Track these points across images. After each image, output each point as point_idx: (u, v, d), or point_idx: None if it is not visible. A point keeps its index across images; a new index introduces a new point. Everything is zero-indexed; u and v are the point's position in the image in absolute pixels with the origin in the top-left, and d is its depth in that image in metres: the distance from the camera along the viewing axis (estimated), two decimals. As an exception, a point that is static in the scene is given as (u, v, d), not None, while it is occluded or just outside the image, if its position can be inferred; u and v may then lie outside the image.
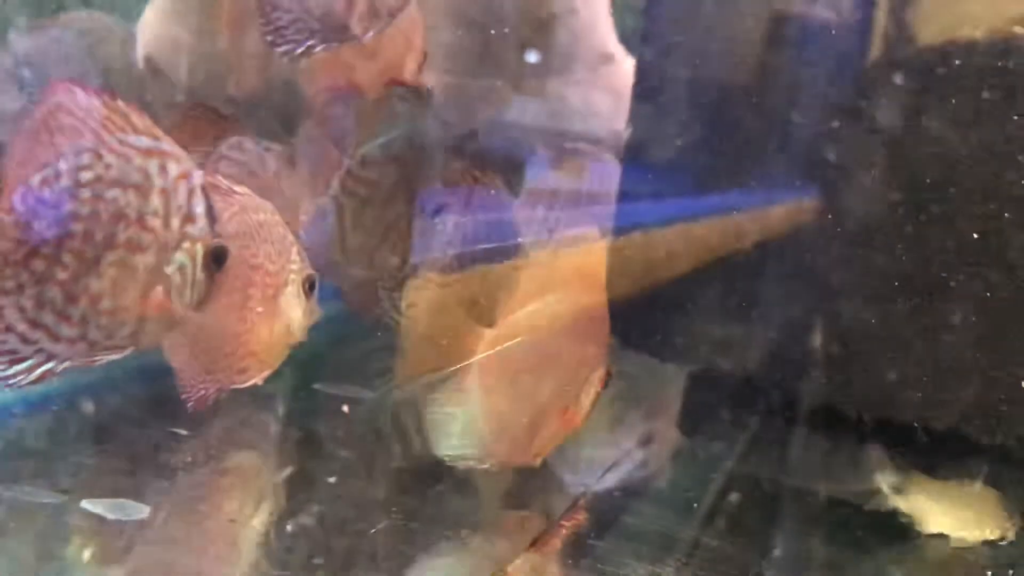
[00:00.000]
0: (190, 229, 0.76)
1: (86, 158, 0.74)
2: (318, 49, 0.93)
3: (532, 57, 1.66)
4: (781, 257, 1.34)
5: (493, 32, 1.63)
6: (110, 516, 0.85)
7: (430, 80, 1.48)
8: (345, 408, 1.10)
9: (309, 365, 1.19)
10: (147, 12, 1.48)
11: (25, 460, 0.99)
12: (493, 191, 1.18)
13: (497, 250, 1.15)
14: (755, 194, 1.44)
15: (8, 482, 0.91)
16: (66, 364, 0.76)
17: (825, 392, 1.22)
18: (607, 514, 1.05)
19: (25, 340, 0.75)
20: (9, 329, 0.74)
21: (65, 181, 0.73)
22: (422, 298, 1.04)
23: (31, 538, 0.86)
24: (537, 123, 1.64)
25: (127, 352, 0.78)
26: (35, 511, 0.88)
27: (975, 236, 1.19)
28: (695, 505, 1.12)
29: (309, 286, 0.86)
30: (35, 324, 0.74)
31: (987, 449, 1.14)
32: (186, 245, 0.76)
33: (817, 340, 1.25)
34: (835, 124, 1.31)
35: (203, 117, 1.03)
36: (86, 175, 0.74)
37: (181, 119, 1.08)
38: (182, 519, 0.91)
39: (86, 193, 0.74)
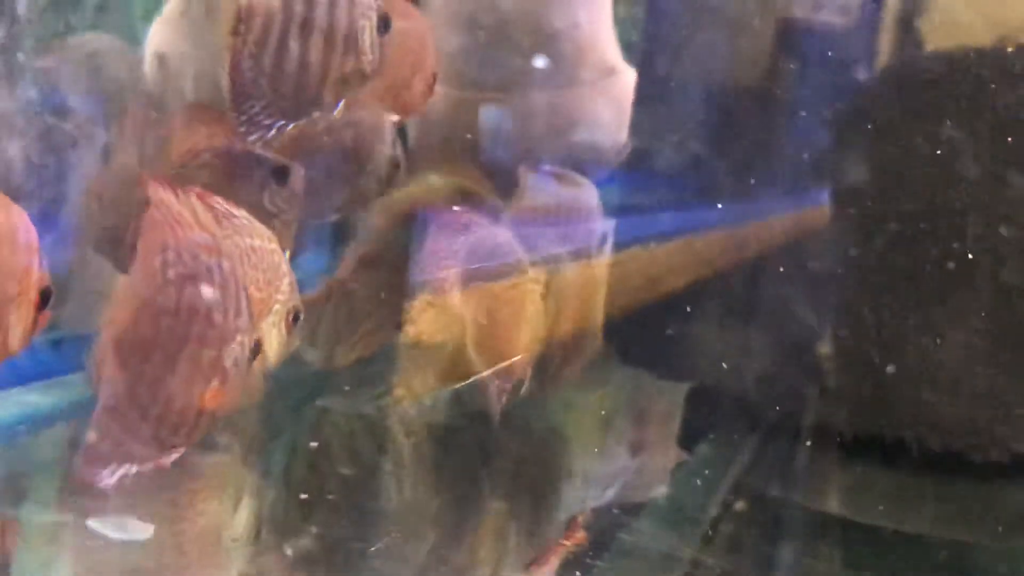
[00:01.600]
0: (240, 323, 0.77)
1: (171, 256, 0.76)
2: (289, 127, 0.93)
3: (535, 70, 1.67)
4: (783, 271, 1.35)
5: (496, 45, 1.64)
6: (114, 535, 0.86)
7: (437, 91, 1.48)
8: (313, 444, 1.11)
9: (315, 382, 1.20)
10: (155, 25, 1.49)
11: (31, 478, 1.00)
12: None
13: (494, 269, 1.16)
14: (757, 207, 1.44)
15: (15, 501, 0.92)
16: (136, 470, 0.77)
17: (823, 410, 1.23)
18: (605, 532, 1.06)
19: (116, 442, 0.75)
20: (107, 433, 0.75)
21: (159, 279, 0.75)
22: (422, 318, 1.05)
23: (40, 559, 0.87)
24: (540, 136, 1.65)
25: (176, 456, 0.78)
26: (42, 531, 0.89)
27: (980, 250, 1.20)
28: (695, 523, 1.13)
29: (293, 318, 0.86)
30: (125, 426, 0.75)
31: (981, 466, 1.14)
32: (238, 338, 0.77)
33: (813, 356, 1.26)
34: (840, 135, 1.31)
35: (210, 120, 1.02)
36: (170, 272, 0.76)
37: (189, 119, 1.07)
38: (183, 538, 0.92)
39: (172, 289, 0.75)
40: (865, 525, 1.16)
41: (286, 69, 0.89)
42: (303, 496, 1.03)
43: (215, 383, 0.77)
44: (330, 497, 1.03)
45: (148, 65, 1.45)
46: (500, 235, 1.16)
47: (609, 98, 1.71)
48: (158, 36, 1.49)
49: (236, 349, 0.77)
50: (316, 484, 1.05)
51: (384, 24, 0.94)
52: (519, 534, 1.06)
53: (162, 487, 0.91)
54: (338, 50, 0.91)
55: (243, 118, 0.90)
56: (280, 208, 0.99)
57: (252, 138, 0.92)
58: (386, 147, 1.14)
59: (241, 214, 0.83)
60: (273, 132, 0.92)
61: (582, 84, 1.71)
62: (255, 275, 0.81)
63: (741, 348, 1.30)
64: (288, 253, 0.99)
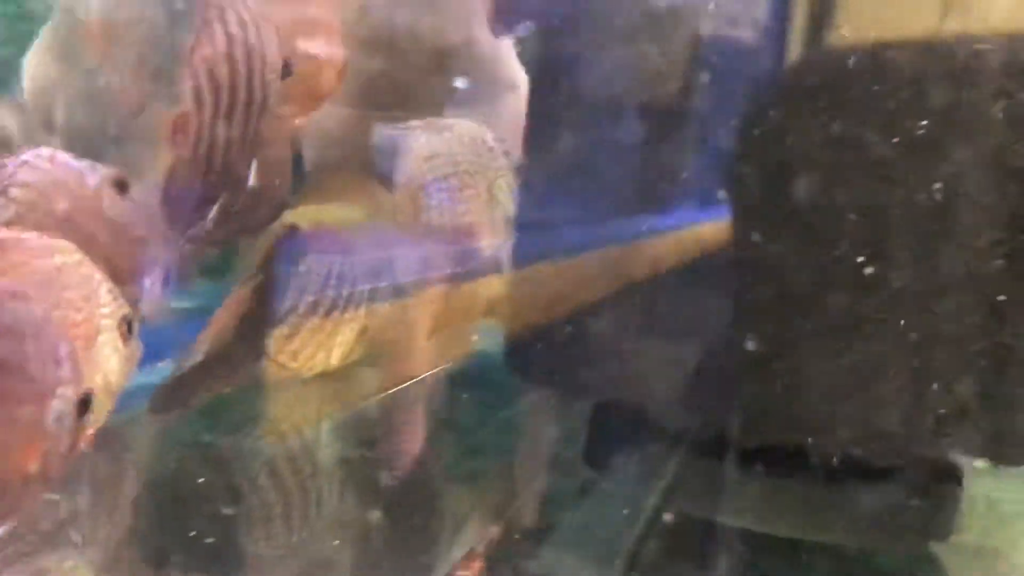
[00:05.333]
0: (61, 374, 0.69)
1: None
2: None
3: (432, 87, 1.64)
4: (687, 283, 1.33)
5: (392, 62, 1.61)
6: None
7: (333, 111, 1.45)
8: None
9: (209, 414, 1.14)
10: (30, 54, 1.43)
11: None
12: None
13: (384, 288, 1.12)
14: (662, 217, 1.42)
15: None
16: None
17: (725, 421, 1.20)
18: (507, 561, 1.02)
19: None
20: None
21: None
22: (285, 348, 1.00)
23: None
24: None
25: (4, 528, 0.71)
26: None
27: (897, 254, 1.18)
28: (604, 547, 1.09)
29: (127, 326, 0.78)
30: None
31: (884, 472, 1.13)
32: (59, 391, 0.69)
33: (714, 366, 1.24)
34: (748, 137, 1.29)
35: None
36: None
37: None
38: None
39: None
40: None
41: (218, 159, 0.88)
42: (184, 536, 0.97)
43: (38, 444, 0.68)
44: (210, 540, 0.97)
45: (27, 94, 1.40)
46: (383, 255, 1.12)
47: (509, 113, 1.69)
48: (33, 64, 1.44)
49: (59, 405, 0.69)
50: (196, 526, 0.99)
51: (287, 70, 0.94)
52: (415, 569, 1.01)
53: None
54: (256, 115, 0.90)
55: (179, 224, 0.88)
56: (127, 217, 0.90)
57: (191, 233, 0.89)
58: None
59: (29, 235, 0.75)
60: (208, 219, 0.90)
61: (481, 101, 1.69)
62: (68, 296, 0.73)
63: (642, 363, 1.28)
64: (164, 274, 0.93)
